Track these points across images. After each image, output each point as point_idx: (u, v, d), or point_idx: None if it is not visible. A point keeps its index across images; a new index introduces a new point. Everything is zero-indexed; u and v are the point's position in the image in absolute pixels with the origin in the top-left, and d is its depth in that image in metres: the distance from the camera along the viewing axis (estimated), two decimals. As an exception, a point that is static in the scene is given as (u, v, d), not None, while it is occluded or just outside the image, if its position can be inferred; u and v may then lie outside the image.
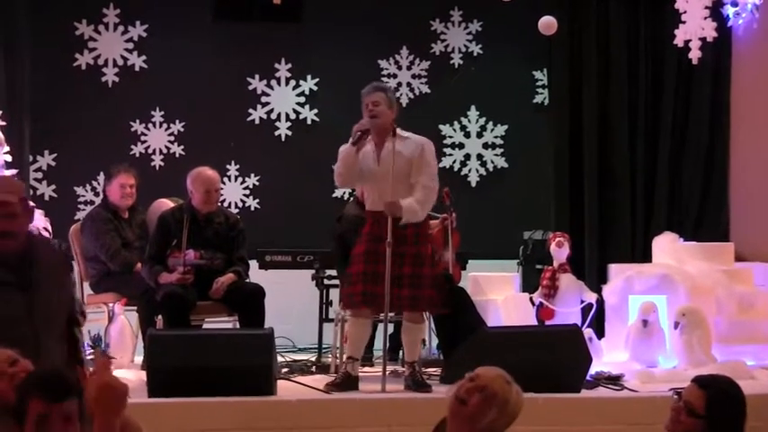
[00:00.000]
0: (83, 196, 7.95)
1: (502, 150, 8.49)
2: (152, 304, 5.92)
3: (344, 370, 5.32)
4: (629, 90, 7.83)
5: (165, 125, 8.11)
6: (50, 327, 3.60)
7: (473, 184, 8.46)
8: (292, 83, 8.27)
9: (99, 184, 7.79)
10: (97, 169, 7.80)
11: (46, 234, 6.20)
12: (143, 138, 8.09)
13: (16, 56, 7.40)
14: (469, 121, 8.50)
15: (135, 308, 6.21)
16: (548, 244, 6.87)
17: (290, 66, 8.26)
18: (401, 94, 8.24)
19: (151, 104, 8.10)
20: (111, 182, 6.52)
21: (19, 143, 7.20)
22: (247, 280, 6.12)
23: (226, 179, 7.97)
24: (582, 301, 6.69)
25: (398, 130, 5.34)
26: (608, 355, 6.33)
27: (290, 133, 8.27)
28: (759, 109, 7.44)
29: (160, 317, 5.79)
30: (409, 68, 8.42)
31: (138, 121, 8.08)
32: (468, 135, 8.49)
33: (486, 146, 8.50)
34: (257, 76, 8.23)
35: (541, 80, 8.46)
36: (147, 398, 4.81)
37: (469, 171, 8.47)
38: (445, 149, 8.37)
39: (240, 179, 8.18)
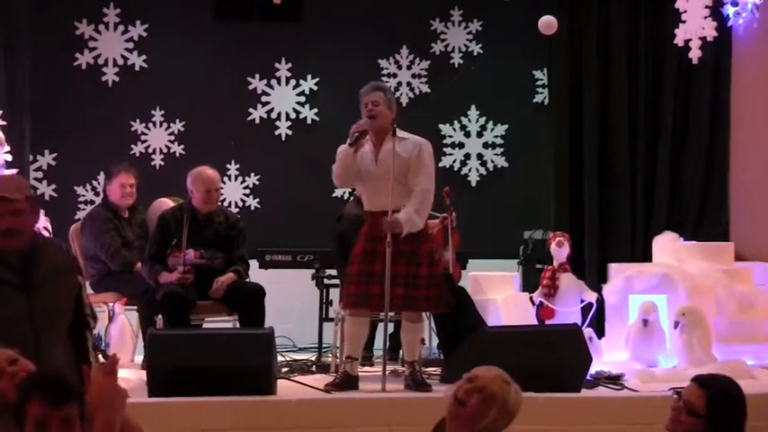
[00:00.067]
0: (83, 196, 7.95)
1: (502, 150, 8.49)
2: (152, 304, 5.93)
3: (344, 370, 5.32)
4: (629, 90, 7.82)
5: (165, 125, 8.11)
6: (51, 328, 3.58)
7: (473, 184, 8.46)
8: (292, 82, 8.27)
9: (99, 183, 7.79)
10: (97, 169, 7.81)
11: (46, 234, 6.20)
12: (143, 137, 8.09)
13: (16, 56, 7.40)
14: (469, 120, 8.50)
15: (135, 307, 6.22)
16: (548, 243, 6.87)
17: (290, 65, 8.26)
18: (401, 94, 8.24)
19: (151, 104, 8.10)
20: (112, 181, 6.52)
21: (19, 143, 7.20)
22: (247, 279, 6.11)
23: (226, 179, 7.97)
24: (582, 301, 6.69)
25: (398, 131, 5.31)
26: (608, 355, 6.33)
27: (290, 133, 8.27)
28: (759, 109, 7.44)
29: (160, 316, 5.79)
30: (409, 68, 8.42)
31: (138, 120, 8.09)
32: (468, 135, 8.49)
33: (486, 145, 8.50)
34: (257, 76, 8.23)
35: (541, 80, 8.45)
36: (148, 397, 4.81)
37: (469, 170, 8.47)
38: (445, 149, 8.38)
39: (240, 179, 8.18)
